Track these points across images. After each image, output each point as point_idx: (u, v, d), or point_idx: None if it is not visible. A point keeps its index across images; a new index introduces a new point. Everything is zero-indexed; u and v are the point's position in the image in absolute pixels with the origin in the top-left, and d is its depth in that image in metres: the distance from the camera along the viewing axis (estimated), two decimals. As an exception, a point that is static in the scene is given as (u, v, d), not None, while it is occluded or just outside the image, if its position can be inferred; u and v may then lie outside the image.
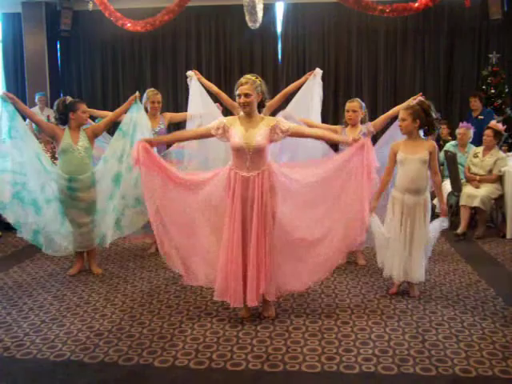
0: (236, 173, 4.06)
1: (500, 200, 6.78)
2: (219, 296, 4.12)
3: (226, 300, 4.12)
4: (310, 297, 4.69)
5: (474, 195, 6.57)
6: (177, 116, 6.34)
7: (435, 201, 5.88)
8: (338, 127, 5.52)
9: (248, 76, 4.14)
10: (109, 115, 5.61)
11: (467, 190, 6.74)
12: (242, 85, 4.05)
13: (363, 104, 5.47)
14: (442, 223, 4.60)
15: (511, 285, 4.89)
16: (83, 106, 5.24)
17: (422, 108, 4.50)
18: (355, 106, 5.39)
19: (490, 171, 6.90)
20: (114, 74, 11.43)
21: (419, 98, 5.39)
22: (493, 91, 9.43)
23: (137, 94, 5.48)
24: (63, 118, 5.24)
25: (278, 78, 10.74)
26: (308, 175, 4.22)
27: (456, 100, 10.64)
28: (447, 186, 7.06)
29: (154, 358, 3.55)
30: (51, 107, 10.73)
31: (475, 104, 8.71)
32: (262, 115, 4.20)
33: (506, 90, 9.51)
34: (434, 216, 4.91)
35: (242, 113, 4.14)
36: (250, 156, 4.01)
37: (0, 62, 11.71)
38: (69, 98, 5.30)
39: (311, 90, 6.03)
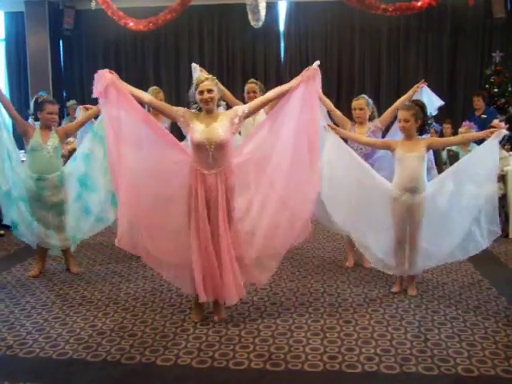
0: (197, 170, 3.97)
1: (503, 199, 6.76)
2: (188, 291, 4.19)
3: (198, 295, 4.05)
4: (313, 296, 4.69)
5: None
6: None
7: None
8: (348, 121, 5.47)
9: (204, 75, 4.16)
10: (81, 118, 5.46)
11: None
12: (202, 82, 3.99)
13: (370, 101, 5.42)
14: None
15: (514, 284, 4.89)
16: (50, 107, 5.15)
17: (421, 107, 4.56)
18: (361, 103, 5.35)
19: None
20: (117, 72, 11.32)
21: (422, 85, 5.40)
22: (496, 90, 9.39)
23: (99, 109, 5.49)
24: (35, 116, 5.24)
25: (281, 77, 10.72)
26: (256, 139, 4.20)
27: (459, 99, 10.62)
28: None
29: (156, 357, 3.56)
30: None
31: (478, 103, 8.69)
32: (220, 111, 4.17)
33: (510, 89, 9.46)
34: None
35: (202, 110, 4.07)
36: (212, 153, 3.94)
37: (3, 61, 11.72)
38: (43, 96, 5.26)
39: None
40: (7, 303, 4.56)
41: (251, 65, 10.93)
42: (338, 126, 5.50)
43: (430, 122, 4.66)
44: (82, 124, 5.38)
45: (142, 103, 4.19)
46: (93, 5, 9.20)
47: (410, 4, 8.26)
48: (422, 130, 4.62)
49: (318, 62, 5.47)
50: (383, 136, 5.47)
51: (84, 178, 5.28)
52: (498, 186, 6.68)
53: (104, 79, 3.99)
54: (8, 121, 5.18)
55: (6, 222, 5.29)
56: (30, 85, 11.16)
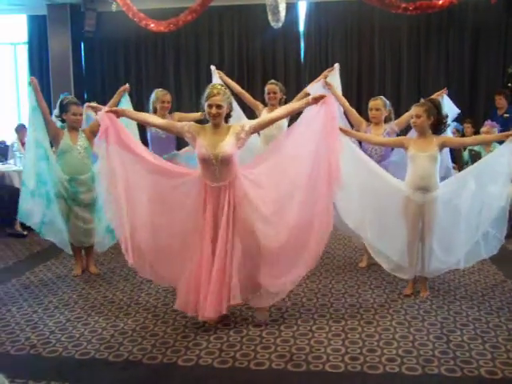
0: (206, 183, 4.01)
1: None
2: (181, 307, 4.09)
3: (187, 313, 4.07)
4: (334, 296, 4.68)
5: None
6: (187, 116, 6.19)
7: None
8: (363, 121, 5.45)
9: (218, 86, 4.09)
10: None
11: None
12: (213, 95, 3.97)
13: (387, 102, 5.41)
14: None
15: (538, 285, 4.83)
16: (75, 108, 5.20)
17: (435, 105, 4.52)
18: (378, 103, 5.34)
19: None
20: (138, 73, 11.49)
21: (444, 92, 5.36)
22: (518, 89, 9.28)
23: (126, 86, 5.70)
24: (61, 118, 5.29)
25: (301, 77, 10.70)
26: (271, 165, 4.13)
27: (481, 98, 10.49)
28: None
29: (177, 357, 3.57)
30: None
31: (500, 102, 8.59)
32: (227, 124, 4.14)
33: (533, 88, 9.36)
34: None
35: (210, 123, 4.08)
36: (218, 167, 3.95)
37: (26, 64, 11.85)
38: (67, 98, 5.30)
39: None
40: (30, 303, 4.62)
41: (271, 65, 10.90)
42: (352, 125, 5.49)
43: (445, 121, 4.60)
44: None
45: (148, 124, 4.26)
46: (113, 7, 9.26)
47: (430, 2, 8.18)
48: (437, 129, 4.57)
49: (337, 65, 5.46)
50: None
51: None
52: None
53: (103, 122, 4.03)
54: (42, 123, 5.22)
55: (30, 222, 5.30)
56: (52, 87, 11.27)
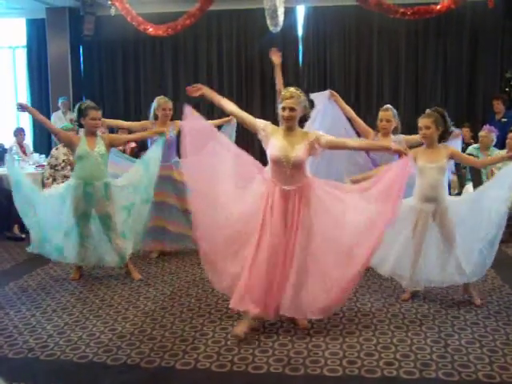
0: (276, 185, 3.99)
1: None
2: (238, 304, 3.99)
3: (247, 309, 3.93)
4: (332, 300, 4.67)
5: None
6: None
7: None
8: (370, 131, 5.43)
9: (292, 89, 4.04)
10: (132, 135, 5.81)
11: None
12: (287, 98, 3.98)
13: (395, 112, 5.36)
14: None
15: (535, 289, 4.83)
16: (93, 113, 5.16)
17: (441, 115, 4.50)
18: (389, 115, 5.28)
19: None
20: (136, 77, 11.52)
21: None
22: (516, 93, 9.32)
23: (165, 130, 5.67)
24: (79, 123, 5.29)
25: (299, 81, 10.73)
26: (349, 200, 4.07)
27: (479, 102, 10.53)
28: (470, 189, 6.99)
29: (175, 361, 3.57)
30: (74, 111, 10.89)
31: (498, 106, 8.63)
32: (302, 130, 4.14)
33: (530, 93, 9.39)
34: None
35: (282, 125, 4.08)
36: (290, 170, 3.95)
37: (24, 67, 11.87)
38: (85, 103, 5.28)
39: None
40: (28, 306, 4.62)
41: (269, 69, 10.87)
42: (359, 134, 5.47)
43: (451, 130, 4.59)
44: (132, 141, 5.47)
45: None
46: (112, 11, 9.28)
47: (428, 7, 8.19)
48: (442, 138, 4.55)
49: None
50: None
51: (130, 206, 5.35)
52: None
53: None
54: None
55: (41, 251, 5.35)
56: (51, 90, 11.30)
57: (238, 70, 11.08)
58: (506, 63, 10.20)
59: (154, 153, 5.50)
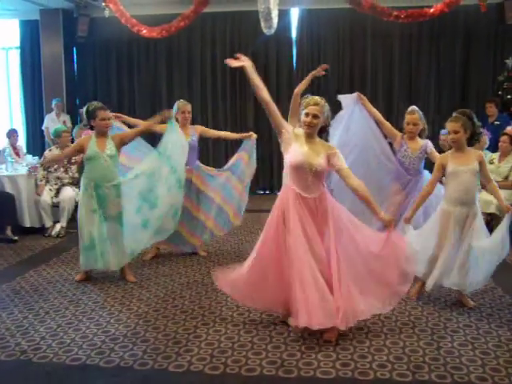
0: (298, 193, 3.93)
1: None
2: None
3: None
4: (325, 303, 4.68)
5: (490, 201, 6.52)
6: (209, 132, 6.35)
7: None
8: (398, 134, 5.41)
9: (318, 98, 3.99)
10: (140, 126, 5.61)
11: (483, 196, 6.70)
12: (312, 105, 3.94)
13: (421, 114, 5.32)
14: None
15: (528, 292, 4.86)
16: (102, 113, 5.14)
17: (469, 118, 4.44)
18: (416, 118, 5.26)
19: (506, 177, 6.86)
20: (130, 79, 11.51)
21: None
22: (509, 97, 9.33)
23: (170, 112, 5.51)
24: (90, 126, 5.29)
25: (293, 84, 10.72)
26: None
27: (471, 105, 10.53)
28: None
29: (168, 363, 3.57)
30: (67, 113, 10.89)
31: (491, 110, 8.67)
32: (322, 140, 4.08)
33: (523, 96, 9.44)
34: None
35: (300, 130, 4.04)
36: (311, 177, 3.91)
37: (18, 69, 11.83)
38: (93, 104, 5.22)
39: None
40: (21, 308, 4.60)
41: (263, 71, 10.92)
42: (386, 137, 5.47)
43: (479, 132, 4.57)
44: (141, 133, 5.43)
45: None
46: (106, 12, 9.27)
47: (422, 11, 8.24)
48: (471, 141, 4.51)
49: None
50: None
51: (148, 194, 5.27)
52: (511, 193, 6.70)
53: None
54: None
55: None
56: (44, 92, 11.26)
57: (232, 72, 11.07)
58: (498, 66, 10.24)
59: (167, 137, 5.37)
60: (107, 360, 3.63)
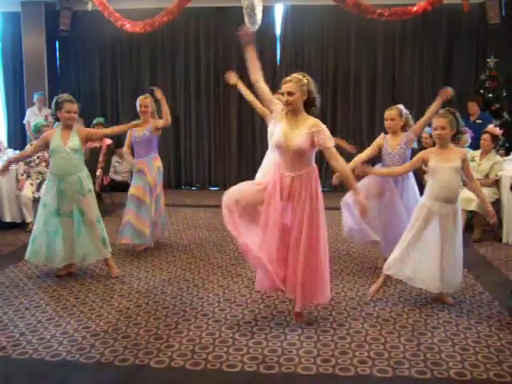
0: (282, 173, 3.99)
1: (496, 204, 6.79)
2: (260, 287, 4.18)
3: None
4: (307, 299, 4.69)
5: (471, 199, 6.58)
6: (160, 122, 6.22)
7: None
8: (380, 138, 5.40)
9: (294, 74, 4.01)
10: (109, 129, 5.80)
11: (464, 193, 6.75)
12: (285, 82, 3.96)
13: (404, 111, 5.33)
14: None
15: (507, 289, 4.89)
16: (68, 106, 5.09)
17: (455, 116, 4.50)
18: (392, 113, 5.29)
19: (487, 175, 6.94)
20: (113, 74, 11.43)
21: (449, 92, 5.30)
22: (490, 95, 9.44)
23: (139, 122, 5.79)
24: (55, 116, 5.26)
25: (277, 80, 10.71)
26: None
27: (454, 104, 10.56)
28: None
29: (149, 359, 3.56)
30: (49, 107, 10.77)
31: (473, 108, 8.75)
32: (308, 116, 4.01)
33: (504, 95, 9.53)
34: None
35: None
36: (290, 156, 3.92)
37: (-1, 61, 11.70)
38: (62, 96, 5.21)
39: None
40: (0, 304, 4.55)
41: (247, 67, 10.93)
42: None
43: (462, 129, 4.63)
44: (106, 135, 5.44)
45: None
46: (89, 6, 9.19)
47: (405, 9, 8.28)
48: (453, 139, 4.56)
49: None
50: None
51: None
52: (492, 191, 6.78)
53: None
54: None
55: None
56: (26, 85, 11.14)
57: (216, 67, 11.05)
58: (480, 66, 10.33)
59: None
60: (87, 356, 3.60)
